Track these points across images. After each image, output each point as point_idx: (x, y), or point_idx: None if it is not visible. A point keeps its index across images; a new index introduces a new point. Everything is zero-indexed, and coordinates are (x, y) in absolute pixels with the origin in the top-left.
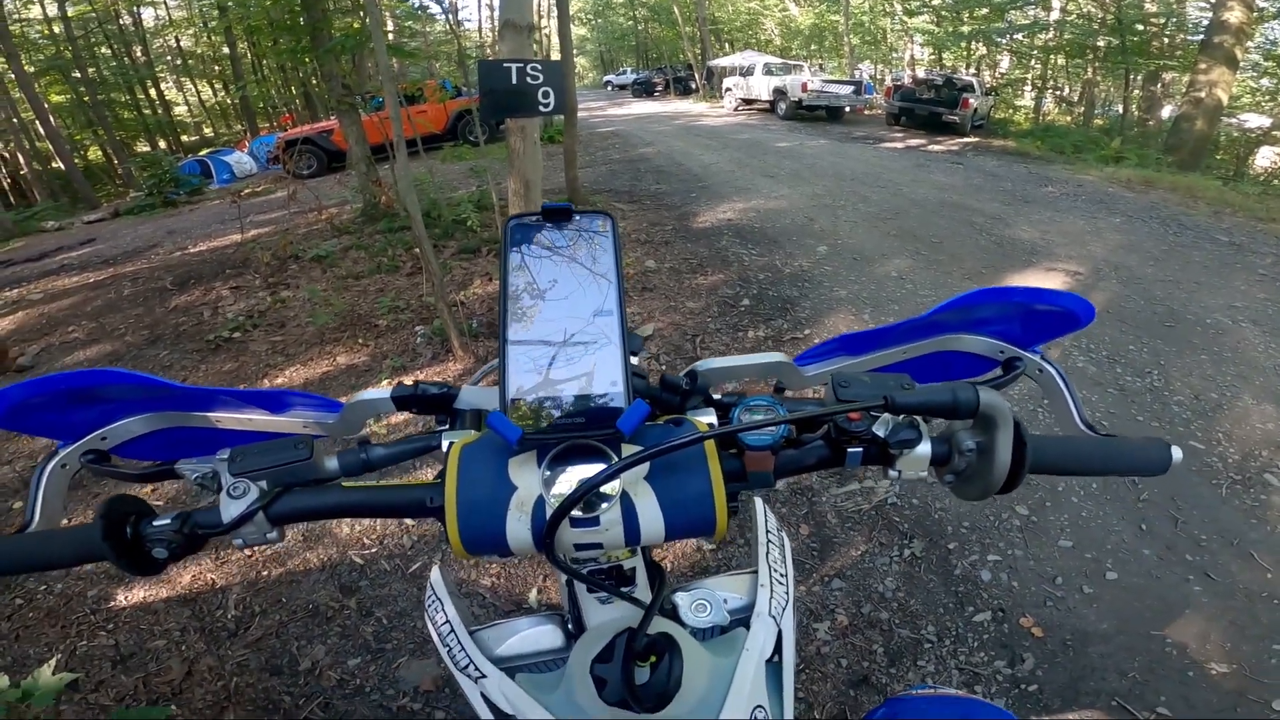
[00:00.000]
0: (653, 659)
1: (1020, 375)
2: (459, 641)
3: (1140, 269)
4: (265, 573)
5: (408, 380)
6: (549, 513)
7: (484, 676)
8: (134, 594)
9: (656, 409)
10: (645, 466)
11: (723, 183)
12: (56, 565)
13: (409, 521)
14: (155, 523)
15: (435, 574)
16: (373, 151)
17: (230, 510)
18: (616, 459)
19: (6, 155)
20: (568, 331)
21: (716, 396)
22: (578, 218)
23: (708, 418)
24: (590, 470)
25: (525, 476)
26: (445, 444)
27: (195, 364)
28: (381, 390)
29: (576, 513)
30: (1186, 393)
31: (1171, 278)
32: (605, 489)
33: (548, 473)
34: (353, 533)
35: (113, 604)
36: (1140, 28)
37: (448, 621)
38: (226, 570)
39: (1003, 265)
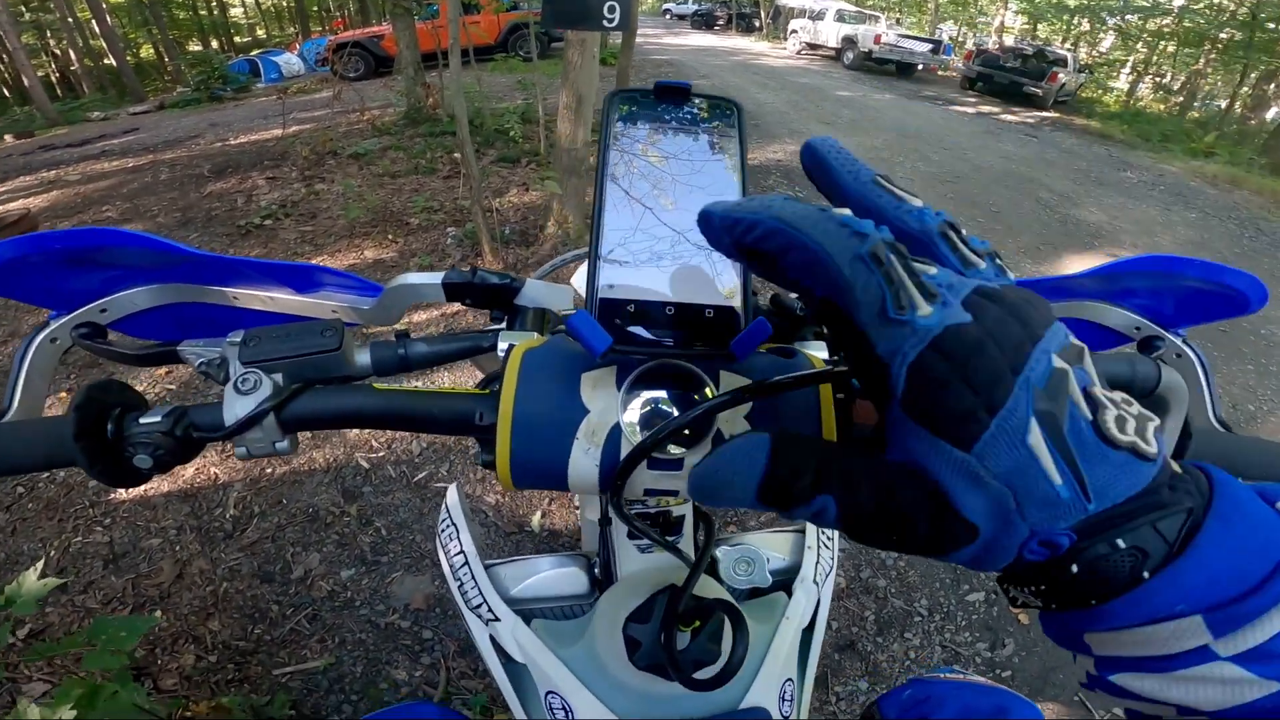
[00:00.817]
0: (696, 624)
1: (1157, 357)
2: (472, 576)
3: None
4: (269, 470)
5: (463, 265)
6: (624, 447)
7: (496, 620)
8: (136, 487)
9: None
10: (748, 404)
11: (775, 123)
12: (17, 470)
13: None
14: (143, 419)
15: (452, 494)
16: (421, 59)
17: (235, 408)
18: (714, 389)
19: (58, 52)
20: (678, 227)
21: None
22: (697, 100)
23: (820, 352)
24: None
25: (601, 398)
26: (503, 346)
27: (224, 247)
28: (431, 275)
29: (656, 452)
30: (1225, 401)
31: None
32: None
33: (627, 396)
34: (361, 435)
35: (113, 496)
36: (1272, 26)
37: (462, 552)
38: (231, 465)
39: (1062, 244)
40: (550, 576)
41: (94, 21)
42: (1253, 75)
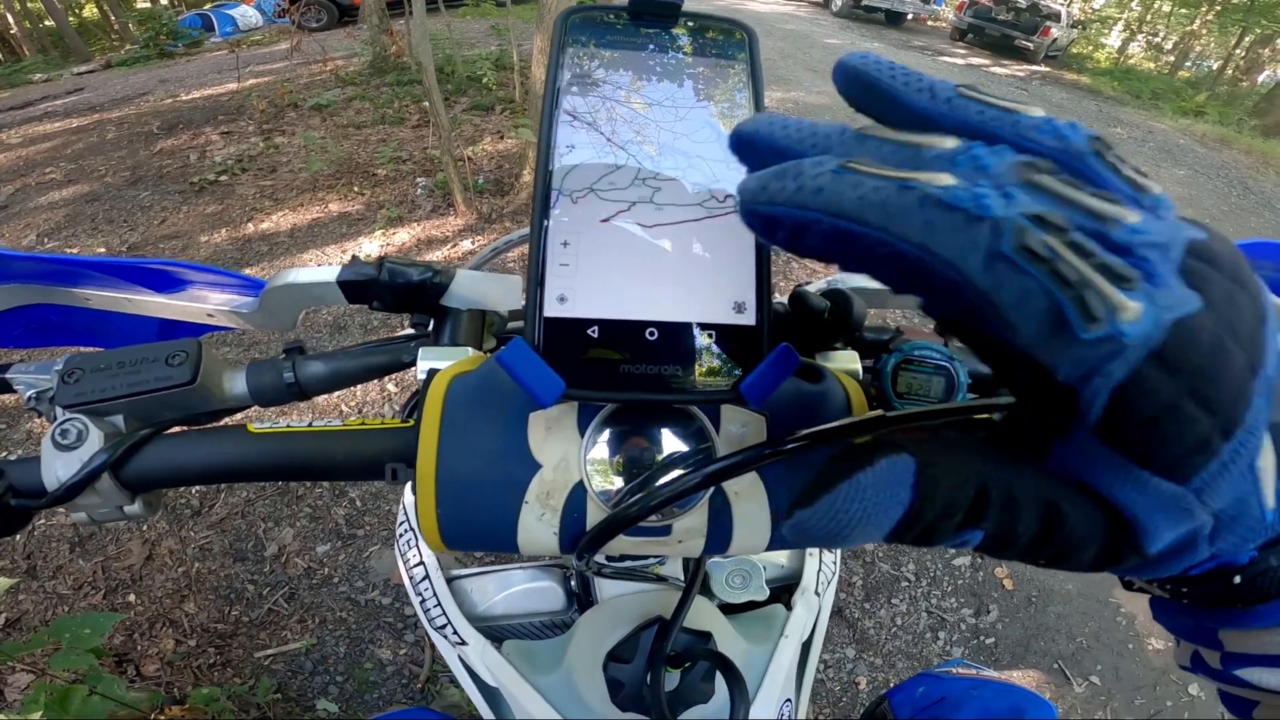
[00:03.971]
0: (686, 665)
1: None
2: (434, 593)
3: None
4: None
5: (371, 247)
6: (591, 510)
7: (463, 644)
8: None
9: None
10: None
11: (763, 71)
12: None
13: (391, 387)
14: None
15: (410, 492)
16: (388, 7)
17: (56, 469)
18: (716, 436)
19: None
20: (659, 207)
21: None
22: (689, 24)
23: (850, 364)
24: (670, 441)
25: (557, 448)
26: (423, 368)
27: (177, 205)
28: (322, 271)
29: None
30: None
31: None
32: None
33: (596, 440)
34: (330, 397)
35: None
36: None
37: (422, 563)
38: None
39: None
40: (522, 592)
41: None
42: (1248, 39)
